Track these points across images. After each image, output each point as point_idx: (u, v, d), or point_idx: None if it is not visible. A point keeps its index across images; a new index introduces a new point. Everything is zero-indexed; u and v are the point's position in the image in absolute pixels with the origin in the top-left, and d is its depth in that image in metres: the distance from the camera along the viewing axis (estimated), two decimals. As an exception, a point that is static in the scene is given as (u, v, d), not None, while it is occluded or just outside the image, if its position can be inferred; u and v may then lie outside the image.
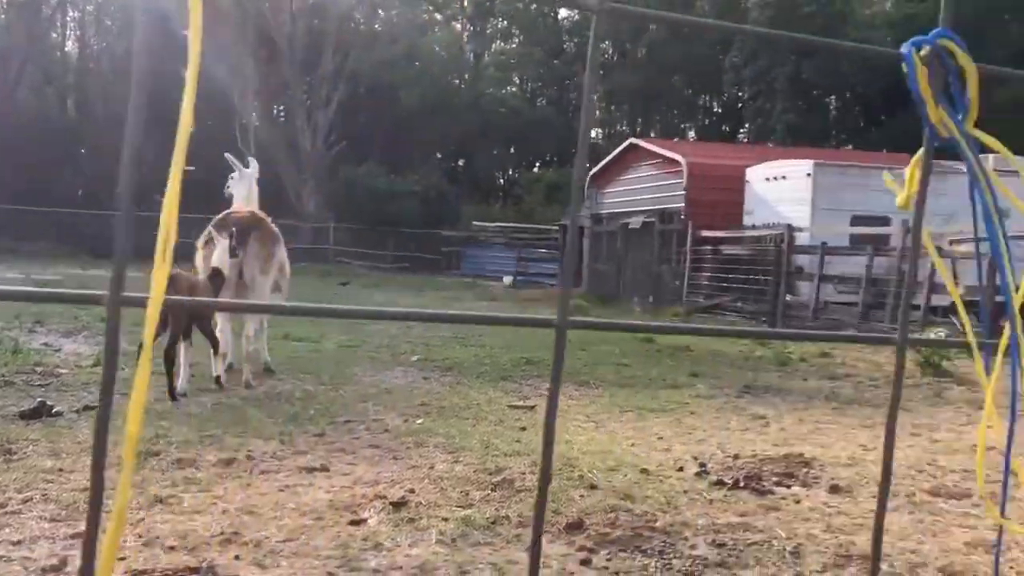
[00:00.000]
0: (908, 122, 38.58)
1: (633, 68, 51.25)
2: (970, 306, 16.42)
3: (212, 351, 7.97)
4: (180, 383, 7.40)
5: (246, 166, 9.70)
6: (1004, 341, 0.92)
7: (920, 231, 0.93)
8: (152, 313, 0.83)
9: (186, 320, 7.50)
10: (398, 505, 4.49)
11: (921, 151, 0.92)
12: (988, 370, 0.97)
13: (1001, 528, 0.99)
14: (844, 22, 41.22)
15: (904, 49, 0.86)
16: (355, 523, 4.21)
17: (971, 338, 0.94)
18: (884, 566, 4.07)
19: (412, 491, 4.78)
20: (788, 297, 19.20)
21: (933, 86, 0.86)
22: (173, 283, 6.78)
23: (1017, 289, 0.85)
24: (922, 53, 0.85)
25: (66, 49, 48.65)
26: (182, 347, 7.52)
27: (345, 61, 40.68)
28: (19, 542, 3.73)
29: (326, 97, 40.95)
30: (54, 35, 47.19)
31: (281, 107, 47.03)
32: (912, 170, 0.89)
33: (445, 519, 4.32)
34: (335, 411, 7.14)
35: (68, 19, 48.30)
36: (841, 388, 10.21)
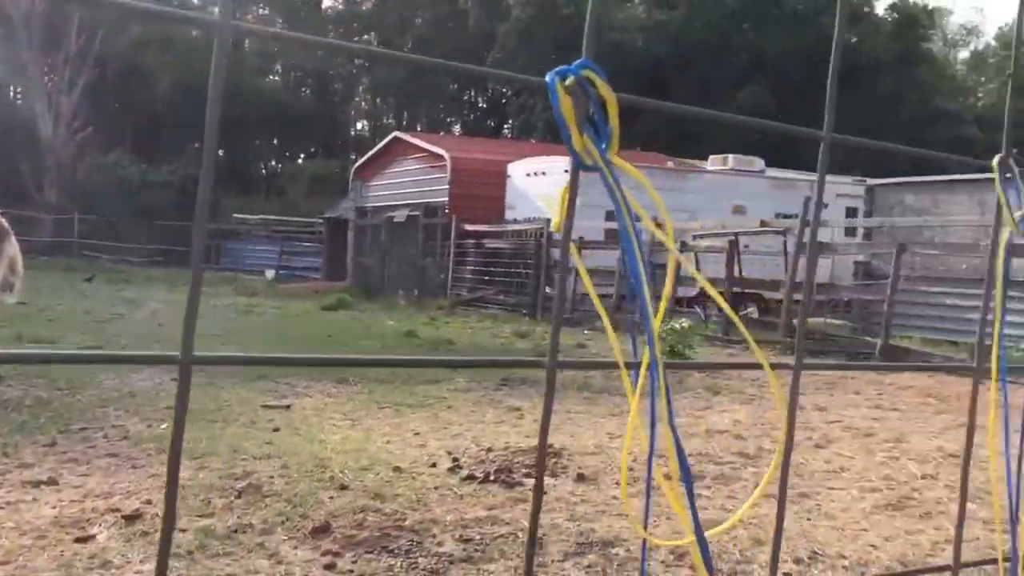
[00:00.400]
0: (658, 121, 40.97)
1: (398, 61, 51.13)
2: (711, 298, 17.65)
3: None
4: None
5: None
6: (645, 359, 0.97)
7: (566, 252, 0.96)
8: None
9: None
10: (131, 518, 4.24)
11: (569, 180, 0.95)
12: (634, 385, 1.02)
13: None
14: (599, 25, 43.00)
15: (548, 78, 0.88)
16: (82, 540, 3.94)
17: (619, 357, 0.98)
18: (621, 551, 4.28)
19: (149, 502, 4.54)
20: (547, 289, 19.85)
21: (577, 115, 0.89)
22: None
23: (656, 313, 0.90)
24: (567, 82, 0.88)
25: None
26: None
27: (92, 42, 38.08)
28: None
29: (70, 80, 38.19)
30: None
31: (19, 90, 43.46)
32: (563, 195, 0.92)
33: (183, 530, 4.12)
34: (70, 418, 6.66)
35: None
36: (593, 378, 10.65)
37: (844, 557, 4.45)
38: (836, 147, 1.13)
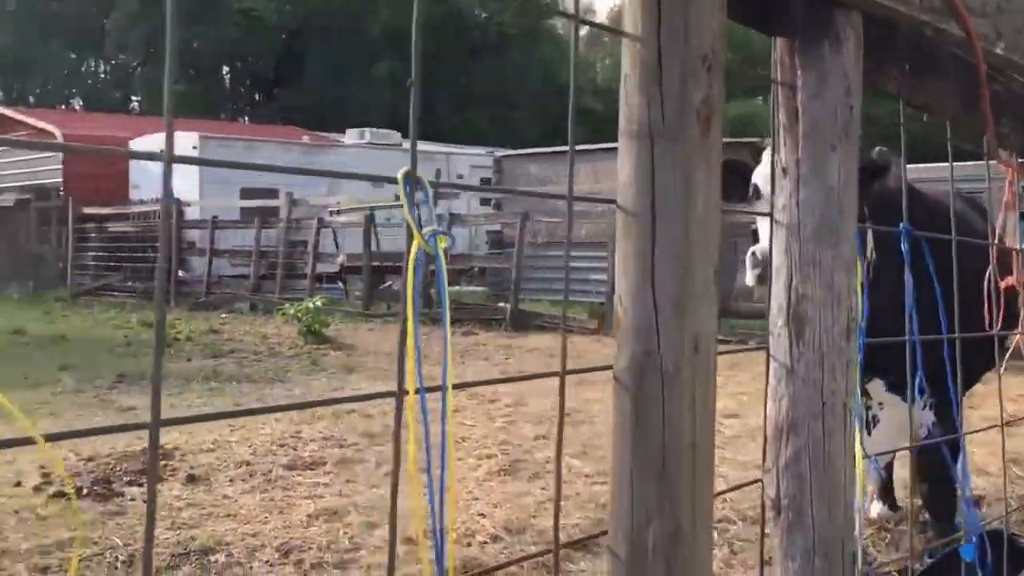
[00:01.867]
0: (299, 95, 40.34)
1: (1, 27, 45.87)
2: (353, 271, 17.64)
3: None
4: None
5: None
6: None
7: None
8: None
9: None
10: None
11: None
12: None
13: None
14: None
15: None
16: None
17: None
18: (222, 556, 4.06)
19: None
20: (180, 273, 18.81)
21: None
22: None
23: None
24: None
25: None
26: None
27: None
28: None
29: None
30: None
31: None
32: None
33: None
34: None
35: None
36: (224, 366, 10.21)
37: (455, 529, 4.55)
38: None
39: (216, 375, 9.42)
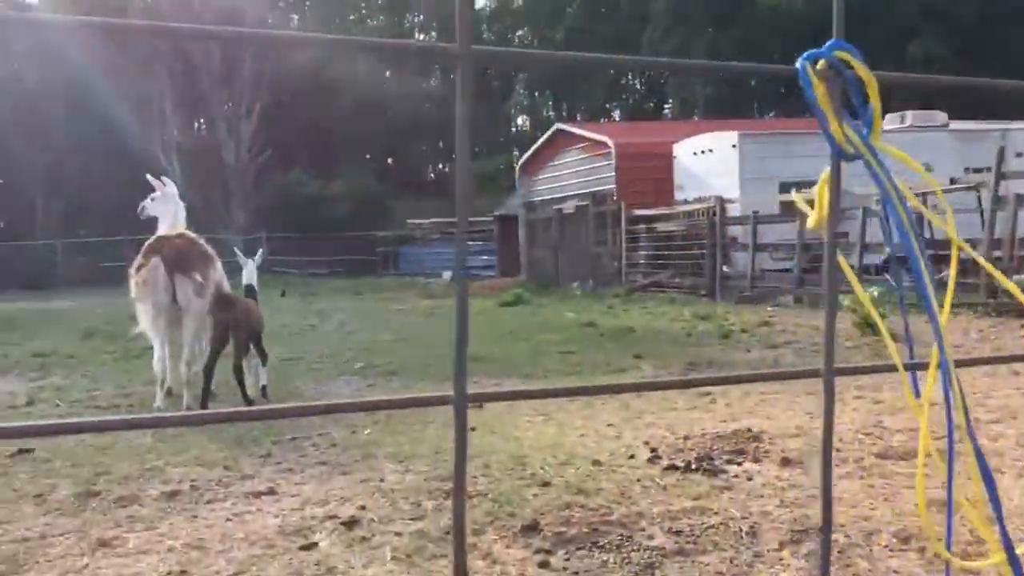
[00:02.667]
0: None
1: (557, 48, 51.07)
2: (900, 262, 16.77)
3: (262, 363, 8.58)
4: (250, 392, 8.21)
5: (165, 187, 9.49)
6: (935, 358, 0.90)
7: (834, 255, 0.90)
8: None
9: (245, 337, 8.16)
10: (350, 524, 4.41)
11: (827, 171, 0.89)
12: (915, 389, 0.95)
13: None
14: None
15: (798, 64, 0.82)
16: (306, 547, 4.13)
17: (897, 359, 0.91)
18: (840, 536, 4.11)
19: (363, 507, 4.70)
20: (725, 268, 19.42)
21: (832, 101, 0.82)
22: (233, 305, 8.15)
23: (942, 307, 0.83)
24: (818, 67, 0.82)
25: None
26: (244, 362, 8.23)
27: (264, 68, 40.07)
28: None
29: (247, 107, 40.33)
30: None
31: (202, 120, 46.25)
32: (821, 190, 0.85)
33: (398, 534, 4.25)
34: (280, 429, 7.01)
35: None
36: (783, 356, 10.34)
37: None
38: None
39: (777, 364, 9.56)
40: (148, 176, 9.68)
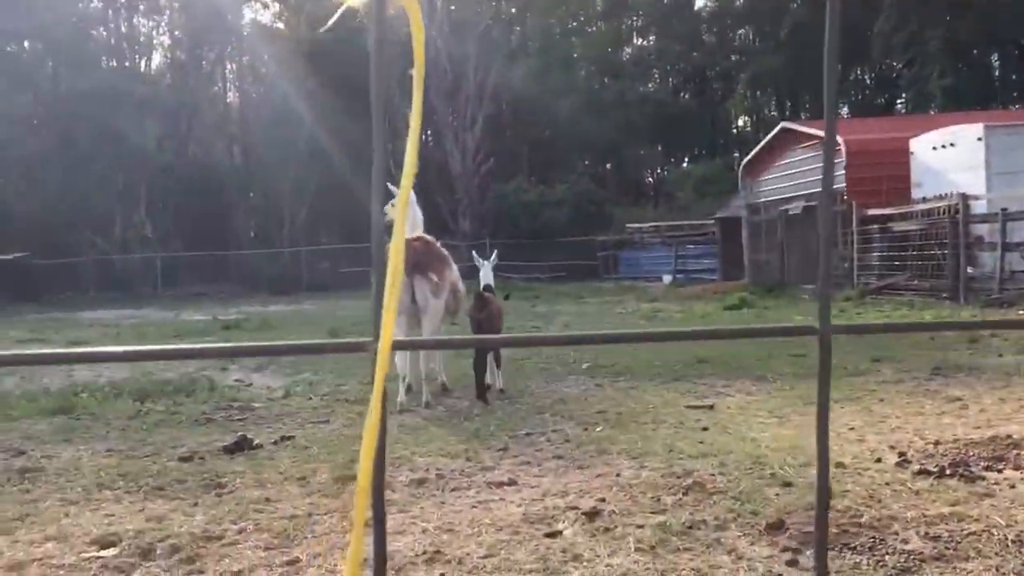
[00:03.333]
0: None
1: (776, 50, 49.70)
2: None
3: (496, 364, 9.05)
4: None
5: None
6: None
7: None
8: (383, 357, 0.85)
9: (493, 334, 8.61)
10: (591, 515, 4.49)
11: None
12: None
13: None
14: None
15: None
16: (551, 535, 4.24)
17: None
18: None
19: (603, 500, 4.77)
20: (969, 270, 18.19)
21: None
22: (487, 304, 8.73)
23: None
24: None
25: (228, 100, 51.49)
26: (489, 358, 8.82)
27: (487, 79, 41.30)
28: (239, 572, 3.93)
29: (471, 117, 41.69)
30: (215, 88, 50.01)
31: (429, 132, 48.28)
32: None
33: (640, 526, 4.28)
34: (514, 424, 7.22)
35: (227, 72, 51.10)
36: (1045, 362, 9.58)
37: None
38: None
39: (1037, 372, 8.86)
40: (388, 184, 10.21)
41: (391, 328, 0.86)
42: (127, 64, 45.48)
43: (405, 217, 0.88)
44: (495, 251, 10.75)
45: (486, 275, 9.57)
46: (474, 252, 10.17)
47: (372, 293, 0.85)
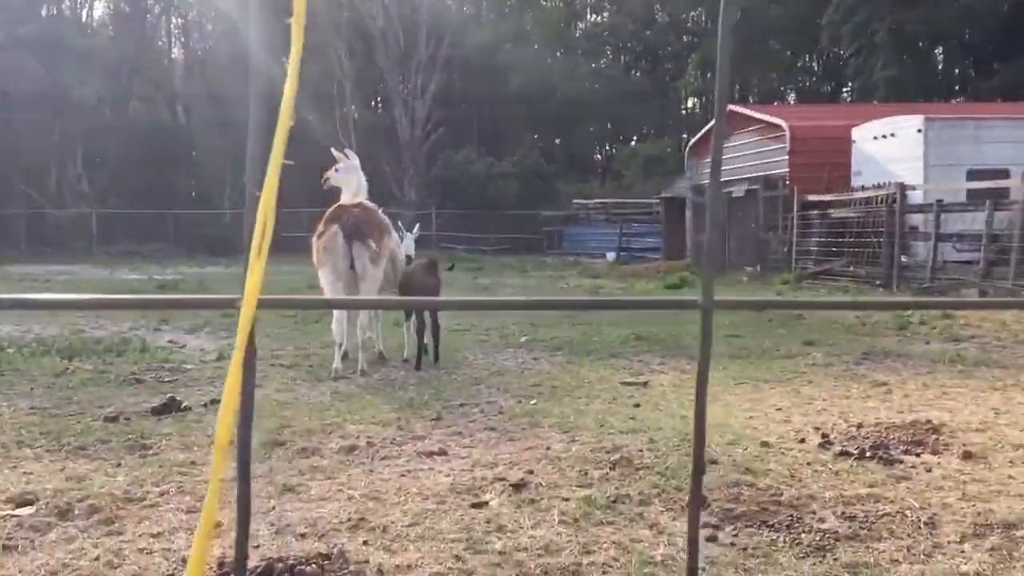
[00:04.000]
0: (1024, 68, 36.82)
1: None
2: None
3: (433, 337, 9.03)
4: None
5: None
6: None
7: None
8: (247, 312, 0.84)
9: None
10: (518, 486, 4.52)
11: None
12: None
13: None
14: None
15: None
16: (477, 506, 4.26)
17: None
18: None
19: (531, 472, 4.81)
20: (903, 258, 18.57)
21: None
22: (434, 273, 9.14)
23: None
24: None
25: (172, 56, 50.30)
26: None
27: (439, 48, 40.93)
28: (159, 534, 3.89)
29: (421, 86, 41.32)
30: (160, 43, 48.82)
31: (379, 98, 47.73)
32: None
33: (566, 499, 4.33)
34: (449, 395, 7.23)
35: (172, 27, 49.91)
36: (966, 350, 9.84)
37: None
38: None
39: (960, 358, 9.10)
40: (332, 149, 10.10)
41: (257, 288, 0.85)
42: (67, 13, 44.15)
43: (276, 175, 0.86)
44: (417, 224, 11.05)
45: (407, 246, 9.87)
46: (399, 223, 10.38)
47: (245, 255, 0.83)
